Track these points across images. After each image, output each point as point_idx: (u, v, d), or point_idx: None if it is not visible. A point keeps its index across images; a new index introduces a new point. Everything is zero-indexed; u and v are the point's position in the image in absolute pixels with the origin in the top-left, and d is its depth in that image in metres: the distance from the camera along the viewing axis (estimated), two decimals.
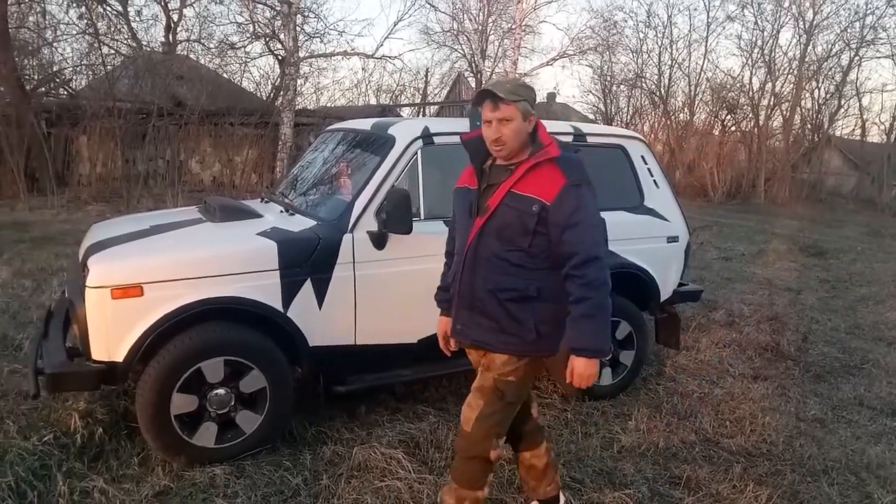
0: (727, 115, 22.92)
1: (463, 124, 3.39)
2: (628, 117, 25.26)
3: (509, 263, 2.11)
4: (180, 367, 2.79)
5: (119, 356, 2.74)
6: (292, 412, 3.17)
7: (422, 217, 3.27)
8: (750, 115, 22.28)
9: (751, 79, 22.33)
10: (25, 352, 4.13)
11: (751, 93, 21.95)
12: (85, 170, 13.37)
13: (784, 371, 4.66)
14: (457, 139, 3.32)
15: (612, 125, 24.18)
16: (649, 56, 29.61)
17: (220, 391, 2.92)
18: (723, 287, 7.31)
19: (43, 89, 13.47)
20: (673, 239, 4.05)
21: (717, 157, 21.08)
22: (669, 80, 23.01)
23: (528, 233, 2.07)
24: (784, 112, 22.19)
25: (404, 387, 3.85)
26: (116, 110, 12.56)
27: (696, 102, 23.02)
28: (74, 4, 13.89)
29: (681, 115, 23.47)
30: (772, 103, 21.91)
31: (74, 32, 14.47)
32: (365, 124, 3.78)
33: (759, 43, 21.97)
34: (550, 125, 3.85)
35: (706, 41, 26.80)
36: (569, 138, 3.72)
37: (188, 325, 2.82)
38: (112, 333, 2.72)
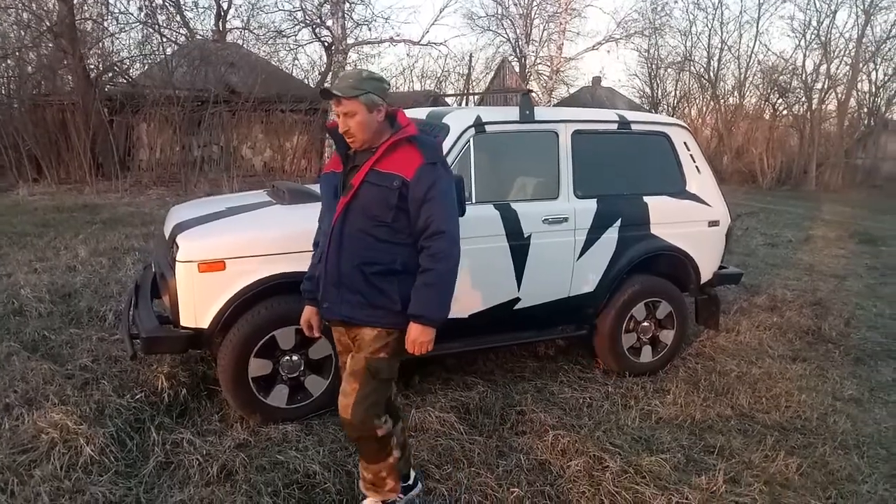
0: (778, 98, 22.39)
1: (513, 113, 3.60)
2: (675, 101, 24.90)
3: (375, 239, 2.20)
4: (257, 334, 3.13)
5: (204, 323, 3.09)
6: None
7: (473, 201, 3.47)
8: (803, 99, 21.73)
9: (804, 61, 21.72)
10: (110, 322, 4.55)
11: (804, 75, 21.40)
12: (145, 155, 14.02)
13: (824, 353, 4.75)
14: (507, 127, 3.59)
15: (658, 109, 23.93)
16: (698, 38, 29.16)
17: (292, 357, 3.25)
18: (767, 273, 7.34)
19: (105, 77, 14.10)
20: (714, 223, 4.19)
21: (767, 142, 20.66)
22: (719, 62, 22.60)
23: (391, 208, 2.17)
24: (839, 95, 21.55)
25: (454, 359, 4.12)
26: (175, 98, 13.12)
27: (747, 86, 22.56)
28: None
29: (730, 98, 23.05)
30: (826, 86, 21.29)
31: (132, 22, 15.07)
32: (420, 113, 4.02)
33: (814, 24, 21.37)
34: (597, 113, 4.03)
35: (758, 22, 26.10)
36: (613, 126, 3.89)
37: (264, 296, 3.14)
38: (198, 303, 3.07)
